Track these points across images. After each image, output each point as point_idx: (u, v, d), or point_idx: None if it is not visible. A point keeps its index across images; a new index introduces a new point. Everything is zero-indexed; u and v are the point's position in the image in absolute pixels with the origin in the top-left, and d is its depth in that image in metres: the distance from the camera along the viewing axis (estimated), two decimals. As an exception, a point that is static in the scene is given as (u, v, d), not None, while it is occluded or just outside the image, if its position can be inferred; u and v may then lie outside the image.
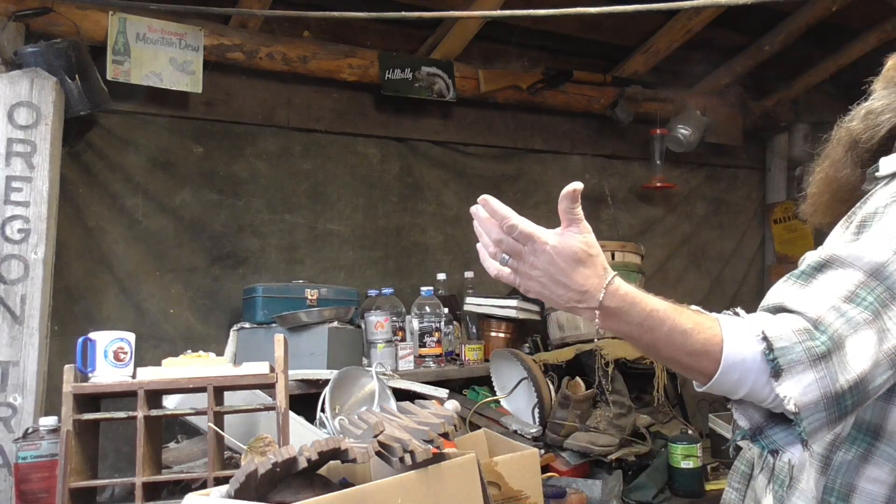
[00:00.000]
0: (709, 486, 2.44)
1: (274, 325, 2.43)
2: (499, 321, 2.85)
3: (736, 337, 0.91)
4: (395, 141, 3.07)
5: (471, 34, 2.89)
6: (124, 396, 1.84)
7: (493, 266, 0.98)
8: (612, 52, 3.37)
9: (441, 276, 2.92)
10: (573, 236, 0.92)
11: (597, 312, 0.92)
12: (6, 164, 2.11)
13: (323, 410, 2.14)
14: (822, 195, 1.23)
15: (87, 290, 2.45)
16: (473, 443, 2.03)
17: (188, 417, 1.99)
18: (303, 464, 1.31)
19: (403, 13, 2.30)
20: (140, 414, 1.70)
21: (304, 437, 1.80)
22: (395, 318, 2.63)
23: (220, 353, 2.41)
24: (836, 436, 1.02)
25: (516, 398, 2.56)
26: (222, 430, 1.81)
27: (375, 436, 1.44)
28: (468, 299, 2.89)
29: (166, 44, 2.44)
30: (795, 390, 0.87)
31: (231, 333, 2.56)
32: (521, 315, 2.80)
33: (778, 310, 0.94)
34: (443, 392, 2.43)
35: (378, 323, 2.55)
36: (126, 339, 1.80)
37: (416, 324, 2.64)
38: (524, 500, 1.87)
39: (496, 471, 1.84)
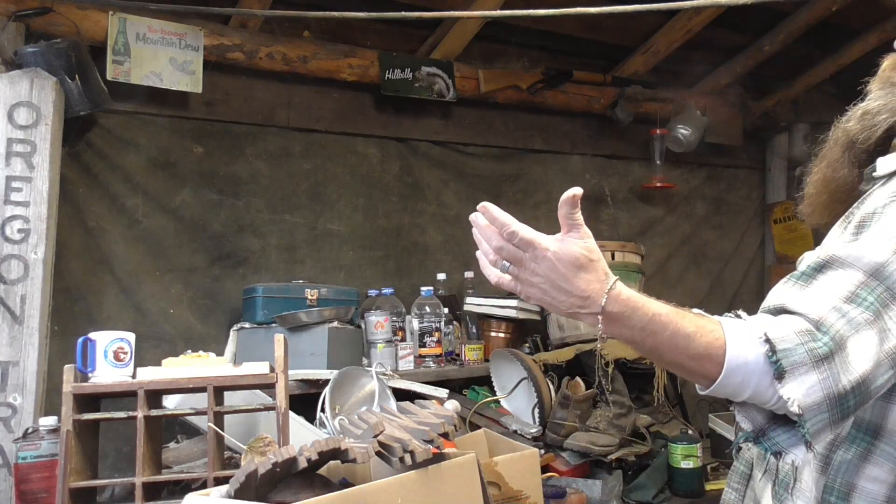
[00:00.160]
0: (709, 486, 2.44)
1: (274, 325, 2.43)
2: (499, 321, 2.85)
3: (738, 340, 0.91)
4: (395, 141, 3.07)
5: (471, 34, 2.89)
6: (124, 396, 1.84)
7: (493, 273, 0.98)
8: (612, 52, 3.37)
9: (441, 276, 2.92)
10: (574, 242, 0.92)
11: (599, 318, 0.92)
12: (6, 164, 2.11)
13: (323, 410, 2.14)
14: (819, 195, 1.23)
15: (87, 290, 2.45)
16: (473, 443, 2.03)
17: (188, 417, 1.99)
18: (303, 464, 1.31)
19: (403, 13, 2.30)
20: (140, 414, 1.70)
21: (304, 437, 1.80)
22: (395, 318, 2.63)
23: (220, 353, 2.41)
24: (836, 435, 1.02)
25: (516, 398, 2.56)
26: (222, 430, 1.81)
27: (375, 436, 1.44)
28: (468, 299, 2.89)
29: (166, 44, 2.44)
30: (799, 392, 0.87)
31: (231, 333, 2.56)
32: (521, 315, 2.80)
33: (779, 311, 0.94)
34: (443, 392, 2.43)
35: (378, 323, 2.55)
36: (126, 339, 1.80)
37: (416, 324, 2.64)
38: (524, 500, 1.87)
39: (496, 471, 1.84)
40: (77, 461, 1.69)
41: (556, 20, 2.80)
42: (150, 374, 1.75)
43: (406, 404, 1.77)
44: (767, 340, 0.89)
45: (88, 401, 1.77)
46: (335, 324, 2.40)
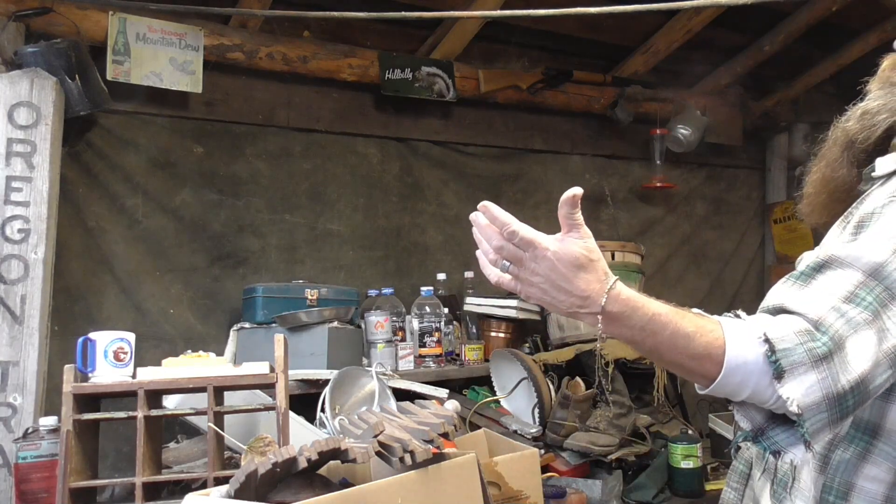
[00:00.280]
0: (709, 486, 2.44)
1: (274, 325, 2.43)
2: (499, 321, 2.85)
3: (738, 339, 0.91)
4: (395, 141, 3.07)
5: (471, 34, 2.89)
6: (124, 396, 1.84)
7: (493, 273, 0.98)
8: (612, 52, 3.37)
9: (441, 276, 2.92)
10: (574, 242, 0.92)
11: (599, 318, 0.92)
12: (6, 164, 2.11)
13: (323, 410, 2.14)
14: (818, 195, 1.23)
15: (87, 290, 2.45)
16: (473, 443, 2.03)
17: (188, 417, 1.99)
18: (303, 464, 1.31)
19: (403, 13, 2.30)
20: (140, 414, 1.70)
21: (304, 437, 1.80)
22: (395, 318, 2.63)
23: (220, 353, 2.41)
24: (835, 435, 1.02)
25: (516, 398, 2.56)
26: (222, 430, 1.81)
27: (375, 436, 1.44)
28: (468, 299, 2.89)
29: (166, 44, 2.44)
30: (798, 391, 0.87)
31: (231, 333, 2.56)
32: (521, 315, 2.80)
33: (778, 311, 0.94)
34: (443, 392, 2.43)
35: (378, 323, 2.55)
36: (126, 339, 1.80)
37: (416, 324, 2.64)
38: (524, 500, 1.87)
39: (496, 471, 1.84)
40: (77, 461, 1.69)
41: (556, 20, 2.80)
42: (150, 374, 1.75)
43: (406, 404, 1.77)
44: (767, 340, 0.89)
45: (88, 401, 1.77)
46: (335, 324, 2.40)
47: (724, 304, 3.73)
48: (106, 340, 1.77)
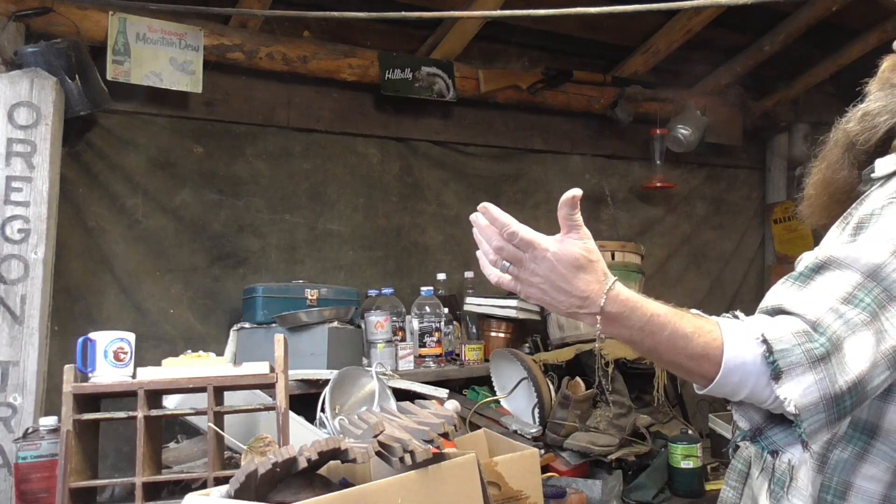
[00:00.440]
0: (709, 486, 2.44)
1: (274, 325, 2.43)
2: (499, 321, 2.85)
3: (736, 340, 0.91)
4: (395, 141, 3.07)
5: (471, 34, 2.89)
6: (124, 396, 1.84)
7: (493, 273, 0.98)
8: (612, 52, 3.37)
9: (441, 276, 2.92)
10: (573, 242, 0.93)
11: (598, 318, 0.93)
12: (6, 164, 2.11)
13: (323, 410, 2.14)
14: (819, 196, 1.23)
15: (87, 290, 2.45)
16: (473, 443, 2.03)
17: (188, 417, 1.99)
18: (303, 464, 1.31)
19: (403, 13, 2.30)
20: (140, 414, 1.70)
21: (304, 437, 1.80)
22: (395, 318, 2.63)
23: (220, 353, 2.42)
24: (833, 434, 1.02)
25: (516, 398, 2.56)
26: (222, 430, 1.81)
27: (375, 436, 1.44)
28: (468, 299, 2.89)
29: (166, 44, 2.44)
30: (795, 392, 0.87)
31: (231, 333, 2.56)
32: (521, 315, 2.80)
33: (776, 312, 0.94)
34: (443, 392, 2.43)
35: (378, 323, 2.55)
36: (126, 339, 1.80)
37: (416, 324, 2.64)
38: (524, 500, 1.87)
39: (496, 471, 1.84)
40: (77, 461, 1.69)
41: (556, 20, 2.79)
42: (150, 374, 1.75)
43: (406, 404, 1.77)
44: (765, 341, 0.89)
45: (88, 401, 1.77)
46: (335, 324, 2.41)
47: (723, 304, 3.73)
48: (106, 340, 1.77)
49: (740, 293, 3.89)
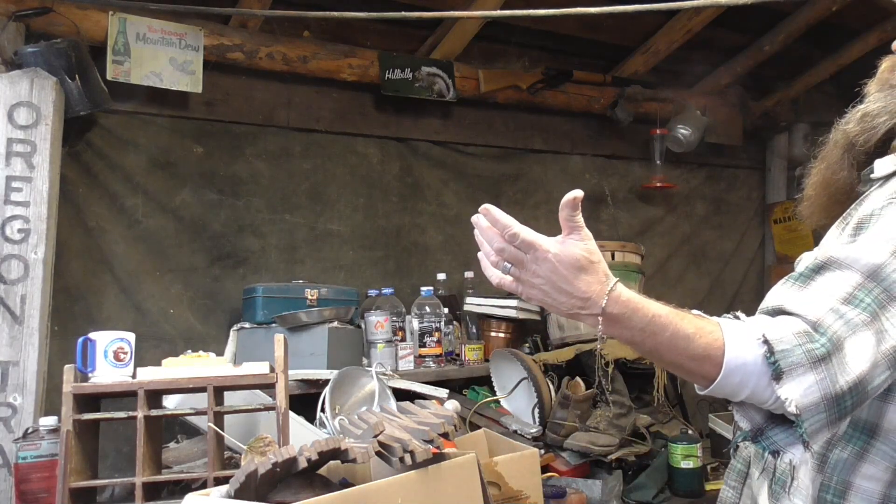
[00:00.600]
0: (709, 486, 2.44)
1: (274, 325, 2.43)
2: (499, 321, 2.85)
3: (737, 340, 0.91)
4: (395, 141, 3.07)
5: (471, 34, 2.89)
6: (124, 396, 1.84)
7: (494, 275, 0.98)
8: (612, 52, 3.37)
9: (441, 276, 2.92)
10: (575, 244, 0.93)
11: (599, 319, 0.93)
12: (6, 164, 2.11)
13: (323, 410, 2.14)
14: (819, 197, 1.23)
15: (87, 290, 2.45)
16: (473, 443, 2.03)
17: (188, 417, 1.99)
18: (303, 464, 1.31)
19: (403, 13, 2.29)
20: (140, 414, 1.70)
21: (304, 437, 1.80)
22: (395, 318, 2.63)
23: (220, 353, 2.41)
24: (833, 434, 1.02)
25: (516, 398, 2.56)
26: (222, 430, 1.81)
27: (375, 436, 1.44)
28: (468, 299, 2.89)
29: (166, 44, 2.44)
30: (796, 392, 0.88)
31: (231, 333, 2.56)
32: (521, 315, 2.80)
33: (777, 312, 0.94)
34: (443, 392, 2.43)
35: (378, 323, 2.55)
36: (126, 339, 1.80)
37: (416, 324, 2.64)
38: (524, 500, 1.87)
39: (496, 471, 1.84)
40: (77, 461, 1.69)
41: (556, 20, 2.80)
42: (150, 374, 1.75)
43: (406, 404, 1.77)
44: (766, 341, 0.89)
45: (88, 401, 1.77)
46: (335, 324, 2.40)
47: (724, 304, 3.73)
48: (106, 340, 1.77)
49: (740, 293, 3.89)
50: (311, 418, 2.15)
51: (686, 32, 3.11)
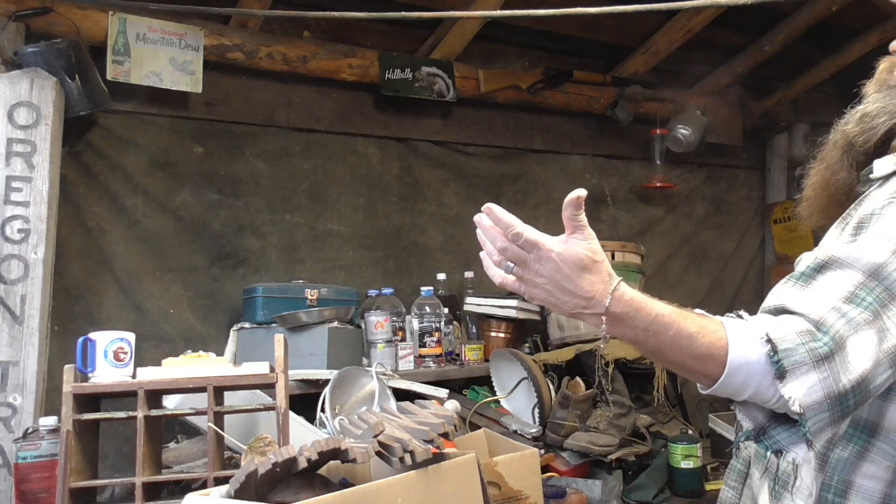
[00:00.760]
0: (709, 486, 2.44)
1: (274, 325, 2.43)
2: (499, 321, 2.85)
3: (740, 340, 0.91)
4: (395, 141, 3.07)
5: (471, 34, 2.89)
6: (124, 396, 1.84)
7: (497, 274, 0.98)
8: (612, 52, 3.37)
9: (441, 276, 2.92)
10: (578, 243, 0.92)
11: (603, 318, 0.93)
12: (6, 164, 2.11)
13: (323, 410, 2.14)
14: (818, 198, 1.24)
15: (87, 290, 2.45)
16: (473, 443, 2.03)
17: (188, 417, 1.99)
18: (303, 464, 1.31)
19: (403, 13, 2.30)
20: (140, 414, 1.70)
21: (304, 437, 1.80)
22: (395, 318, 2.63)
23: (220, 353, 2.41)
24: (834, 433, 1.02)
25: (516, 398, 2.56)
26: (222, 430, 1.81)
27: (375, 436, 1.44)
28: (468, 299, 2.89)
29: (166, 44, 2.44)
30: (800, 391, 0.88)
31: (231, 333, 2.56)
32: (521, 315, 2.80)
33: (779, 311, 0.94)
34: (443, 392, 2.43)
35: (378, 323, 2.55)
36: (126, 339, 1.80)
37: (416, 324, 2.64)
38: (524, 500, 1.87)
39: (496, 471, 1.84)
40: (77, 461, 1.69)
41: (556, 20, 2.80)
42: (150, 374, 1.75)
43: (406, 404, 1.77)
44: (769, 340, 0.89)
45: (88, 401, 1.77)
46: (335, 324, 2.40)
47: (724, 304, 3.73)
48: (106, 340, 1.77)
49: (740, 293, 3.89)
50: (311, 418, 2.15)
51: (686, 32, 3.11)
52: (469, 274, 2.96)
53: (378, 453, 1.43)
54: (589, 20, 3.02)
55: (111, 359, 1.76)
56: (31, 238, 2.11)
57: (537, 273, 0.94)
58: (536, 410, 2.46)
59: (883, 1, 2.69)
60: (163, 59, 2.43)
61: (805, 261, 1.00)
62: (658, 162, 3.46)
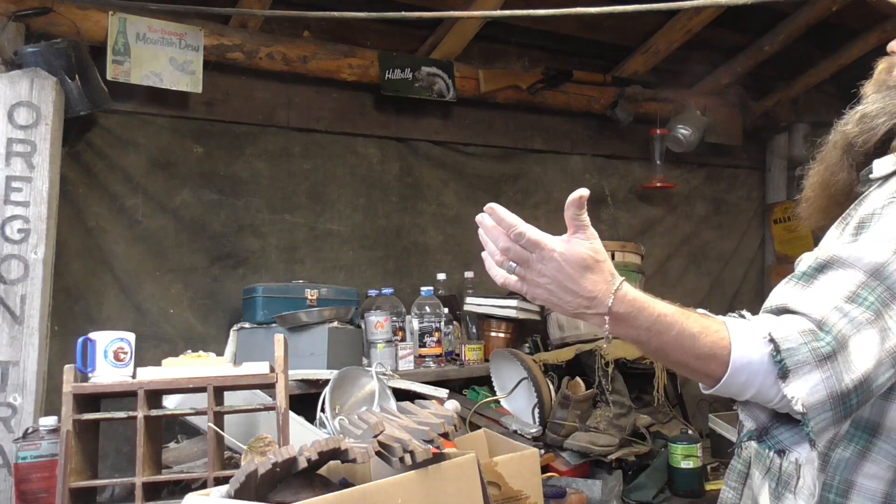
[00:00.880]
0: (709, 486, 2.44)
1: (274, 325, 2.43)
2: (499, 321, 2.85)
3: (743, 339, 0.91)
4: (395, 141, 3.07)
5: (471, 34, 2.89)
6: (124, 396, 1.84)
7: (499, 274, 0.98)
8: (612, 52, 3.37)
9: (441, 276, 2.92)
10: (580, 243, 0.92)
11: (606, 318, 0.92)
12: (6, 164, 2.11)
13: (323, 410, 2.14)
14: (818, 198, 1.24)
15: (87, 290, 2.45)
16: (473, 443, 2.03)
17: (188, 417, 1.99)
18: (303, 464, 1.31)
19: (403, 13, 2.29)
20: (140, 414, 1.70)
21: (304, 437, 1.80)
22: (395, 318, 2.63)
23: (220, 353, 2.41)
24: (835, 433, 1.02)
25: (516, 398, 2.56)
26: (222, 430, 1.81)
27: (375, 436, 1.44)
28: (468, 299, 2.89)
29: (166, 44, 2.44)
30: (802, 391, 0.88)
31: (231, 333, 2.56)
32: (521, 315, 2.80)
33: (781, 311, 0.95)
34: (443, 392, 2.43)
35: (378, 323, 2.55)
36: (126, 339, 1.80)
37: (416, 324, 2.64)
38: (524, 500, 1.87)
39: (496, 471, 1.84)
40: (77, 461, 1.69)
41: (556, 20, 2.80)
42: (150, 374, 1.75)
43: (406, 404, 1.77)
44: (772, 340, 0.90)
45: (88, 401, 1.77)
46: (335, 324, 2.40)
47: (724, 304, 3.73)
48: (106, 340, 1.77)
49: (740, 293, 3.89)
50: (311, 418, 2.15)
51: (686, 32, 3.11)
52: (469, 274, 2.96)
53: (378, 453, 1.43)
54: (589, 20, 3.02)
55: (111, 359, 1.76)
56: (31, 238, 2.11)
57: (540, 273, 0.94)
58: (536, 410, 2.46)
59: (882, 2, 2.69)
60: (163, 59, 2.43)
61: (805, 261, 1.01)
62: (658, 162, 3.47)
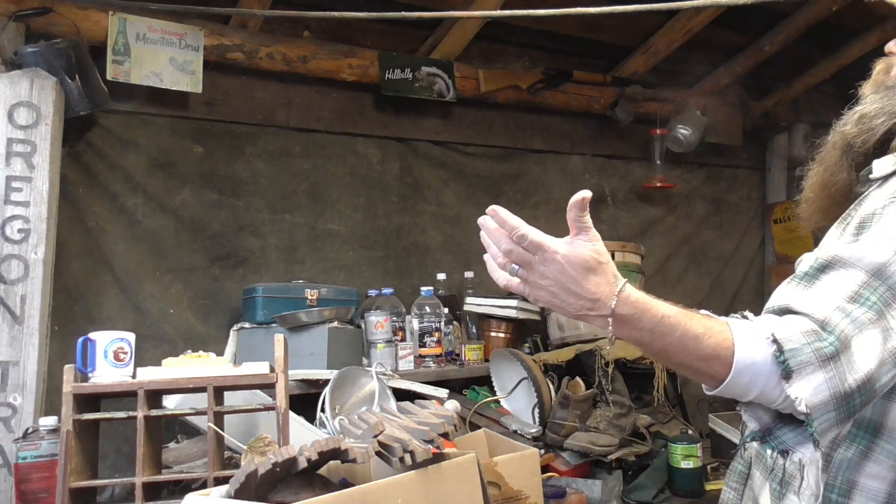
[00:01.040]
0: (709, 486, 2.44)
1: (274, 325, 2.43)
2: (499, 321, 2.85)
3: (746, 340, 0.91)
4: (395, 141, 3.07)
5: (471, 34, 2.89)
6: (124, 396, 1.84)
7: (502, 277, 0.98)
8: (612, 52, 3.37)
9: (441, 276, 2.92)
10: (583, 244, 0.92)
11: (609, 320, 0.92)
12: (6, 164, 2.11)
13: (323, 410, 2.14)
14: (817, 199, 1.23)
15: (87, 290, 2.45)
16: (473, 443, 2.03)
17: (188, 417, 1.99)
18: (303, 464, 1.31)
19: (403, 13, 2.29)
20: (140, 414, 1.70)
21: (304, 437, 1.80)
22: (395, 318, 2.63)
23: (220, 353, 2.41)
24: (837, 433, 1.02)
25: (516, 398, 2.56)
26: (222, 430, 1.81)
27: (375, 436, 1.44)
28: (468, 299, 2.89)
29: (166, 44, 2.44)
30: (806, 391, 0.88)
31: (231, 333, 2.56)
32: (521, 315, 2.80)
33: (783, 311, 0.95)
34: (443, 392, 2.43)
35: (378, 323, 2.55)
36: (126, 339, 1.80)
37: (416, 324, 2.64)
38: (524, 500, 1.87)
39: (496, 471, 1.84)
40: (77, 461, 1.69)
41: (556, 20, 2.80)
42: (150, 374, 1.75)
43: (406, 404, 1.77)
44: (775, 341, 0.89)
45: (88, 401, 1.77)
46: (335, 324, 2.40)
47: (724, 304, 3.73)
48: (106, 340, 1.77)
49: (740, 293, 3.89)
50: (311, 418, 2.15)
51: (686, 32, 3.11)
52: (469, 274, 2.96)
53: (378, 453, 1.43)
54: (589, 20, 3.02)
55: (111, 359, 1.76)
56: (31, 238, 2.11)
57: (542, 275, 0.94)
58: (536, 410, 2.46)
59: (880, 3, 2.69)
60: (163, 59, 2.43)
61: (806, 261, 1.00)
62: (658, 162, 3.47)
